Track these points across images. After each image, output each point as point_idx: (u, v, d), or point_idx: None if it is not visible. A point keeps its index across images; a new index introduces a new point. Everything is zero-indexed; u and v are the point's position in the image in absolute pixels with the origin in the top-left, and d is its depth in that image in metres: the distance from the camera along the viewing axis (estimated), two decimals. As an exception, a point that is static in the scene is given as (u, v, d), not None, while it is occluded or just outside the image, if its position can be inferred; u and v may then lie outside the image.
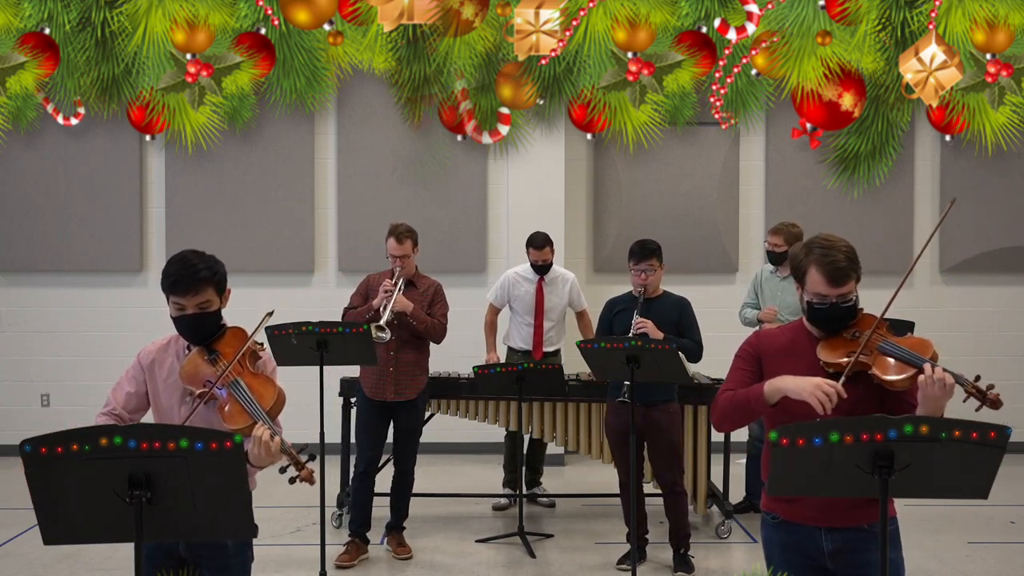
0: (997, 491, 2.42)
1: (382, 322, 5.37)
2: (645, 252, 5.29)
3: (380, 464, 5.93)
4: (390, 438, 5.77)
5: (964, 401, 2.78)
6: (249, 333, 3.12)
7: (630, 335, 5.10)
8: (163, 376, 3.13)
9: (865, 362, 2.82)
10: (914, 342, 2.85)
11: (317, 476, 2.94)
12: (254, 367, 3.09)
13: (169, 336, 3.21)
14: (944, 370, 2.69)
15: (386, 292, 5.47)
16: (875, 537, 2.87)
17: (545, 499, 6.84)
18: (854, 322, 2.94)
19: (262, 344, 3.16)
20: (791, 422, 2.73)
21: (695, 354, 5.33)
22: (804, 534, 2.93)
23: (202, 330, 3.08)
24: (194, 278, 3.02)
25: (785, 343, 3.01)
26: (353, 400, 6.09)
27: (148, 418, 3.17)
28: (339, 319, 5.54)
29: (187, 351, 3.13)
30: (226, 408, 2.96)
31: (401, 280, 5.58)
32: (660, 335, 5.12)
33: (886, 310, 2.91)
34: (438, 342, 5.74)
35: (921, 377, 2.70)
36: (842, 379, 2.77)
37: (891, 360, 2.81)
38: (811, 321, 2.98)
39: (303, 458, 2.85)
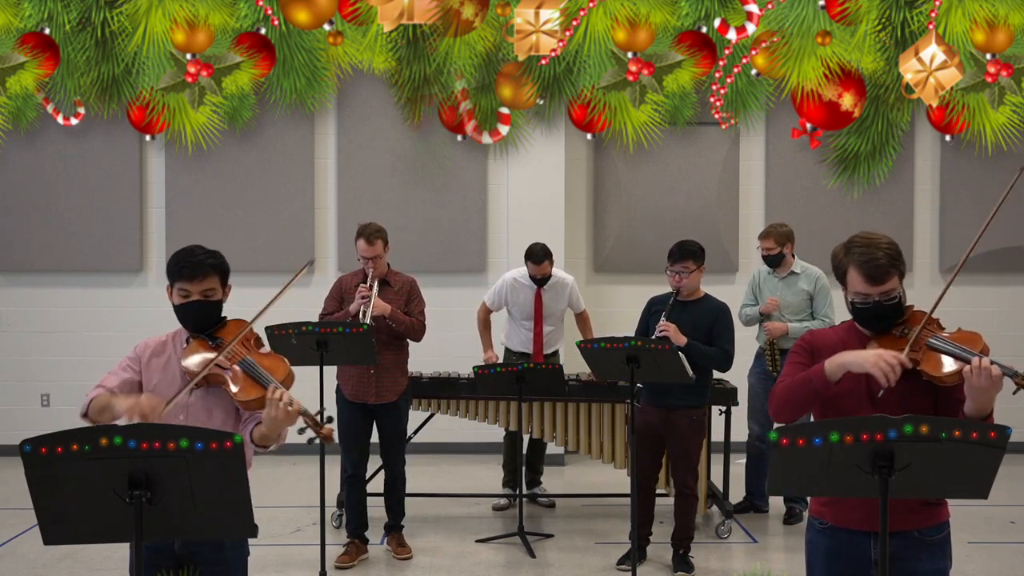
0: (997, 491, 2.42)
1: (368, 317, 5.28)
2: (682, 253, 5.21)
3: (374, 472, 5.93)
4: (374, 438, 5.75)
5: (1014, 393, 2.69)
6: (250, 323, 3.18)
7: (652, 337, 5.06)
8: (160, 367, 3.14)
9: (914, 359, 2.75)
10: (963, 336, 2.78)
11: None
12: (259, 350, 3.15)
13: (167, 334, 3.23)
14: (992, 362, 2.62)
15: (363, 298, 5.38)
16: (926, 545, 2.83)
17: (545, 499, 6.84)
18: (903, 319, 2.86)
19: (260, 340, 3.22)
20: (840, 416, 2.69)
21: (721, 362, 5.24)
22: (852, 541, 2.85)
23: (206, 317, 3.12)
24: (201, 264, 3.09)
25: (836, 342, 2.93)
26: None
27: None
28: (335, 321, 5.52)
29: (185, 344, 3.15)
30: (241, 383, 2.99)
31: (376, 282, 5.51)
32: (683, 340, 5.04)
33: (935, 307, 2.84)
34: (418, 340, 5.69)
35: (966, 368, 2.63)
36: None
37: (940, 356, 2.74)
38: (856, 321, 2.92)
39: (319, 417, 2.92)
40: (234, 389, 2.99)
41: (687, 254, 5.21)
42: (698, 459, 5.53)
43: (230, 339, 3.09)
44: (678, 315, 5.19)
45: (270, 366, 3.05)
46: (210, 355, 3.05)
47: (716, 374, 6.31)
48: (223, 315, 3.19)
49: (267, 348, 3.22)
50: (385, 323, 5.47)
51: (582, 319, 6.82)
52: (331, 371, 5.39)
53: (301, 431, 2.94)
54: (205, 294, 3.10)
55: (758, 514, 6.50)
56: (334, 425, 2.96)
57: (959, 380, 2.68)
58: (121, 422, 2.85)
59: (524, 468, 6.86)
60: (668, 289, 5.50)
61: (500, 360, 6.67)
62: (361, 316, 5.34)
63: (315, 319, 5.39)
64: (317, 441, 2.95)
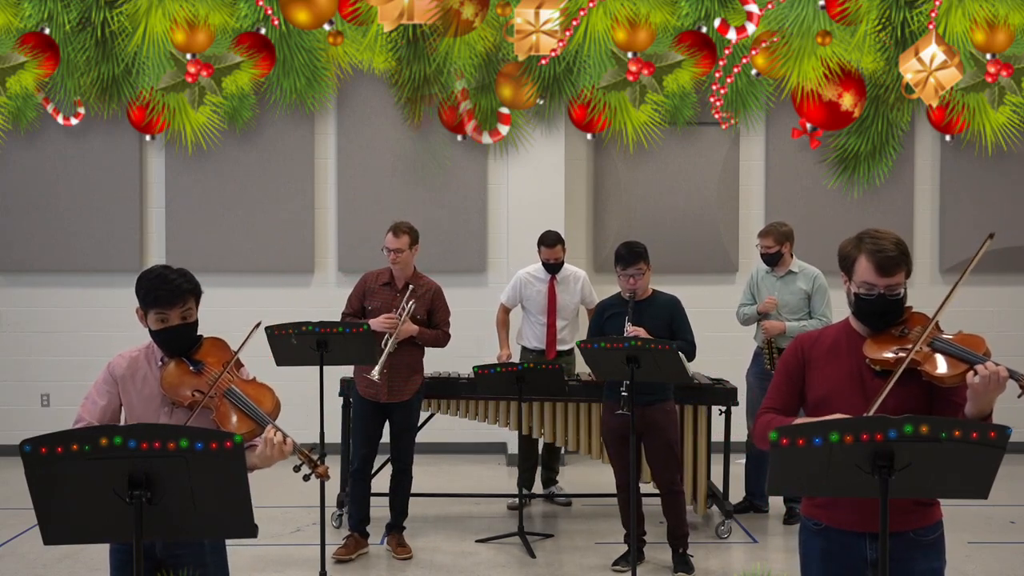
0: (997, 491, 2.42)
1: (375, 371, 5.32)
2: (633, 256, 5.21)
3: (378, 467, 5.94)
4: (385, 437, 5.76)
5: (1019, 396, 2.68)
6: (226, 341, 3.18)
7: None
8: (138, 387, 3.11)
9: (915, 359, 2.73)
10: (966, 338, 2.77)
11: (332, 472, 3.02)
12: (241, 374, 3.15)
13: (138, 348, 3.20)
14: (998, 364, 2.61)
15: (389, 327, 5.41)
16: (921, 546, 2.84)
17: (563, 498, 6.87)
18: (902, 319, 2.85)
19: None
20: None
21: (688, 354, 5.30)
22: (846, 542, 2.85)
23: (187, 341, 3.11)
24: (178, 290, 3.05)
25: (830, 344, 2.92)
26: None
27: None
28: (340, 320, 5.53)
29: (160, 363, 3.13)
30: (229, 417, 2.99)
31: (410, 305, 5.49)
32: None
33: (939, 310, 2.82)
34: (443, 347, 5.77)
35: (971, 373, 2.61)
36: (894, 378, 2.70)
37: (942, 357, 2.73)
38: (856, 314, 2.89)
39: (315, 456, 2.96)
40: (224, 422, 2.99)
41: (638, 256, 5.23)
42: (680, 450, 5.55)
43: (210, 362, 3.07)
44: (636, 316, 5.21)
45: (256, 397, 3.04)
46: (194, 381, 3.03)
47: (714, 373, 6.35)
48: (199, 334, 3.17)
49: (246, 368, 3.21)
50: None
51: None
52: (333, 371, 5.40)
53: (296, 468, 2.97)
54: (183, 317, 3.06)
55: (758, 514, 6.50)
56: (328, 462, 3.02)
57: (960, 382, 2.68)
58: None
59: (540, 468, 6.91)
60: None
61: (516, 360, 6.69)
62: (384, 343, 5.39)
63: (315, 319, 5.40)
64: (314, 477, 2.98)
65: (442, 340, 5.69)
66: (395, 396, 5.62)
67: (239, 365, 3.16)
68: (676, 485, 5.41)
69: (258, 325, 3.33)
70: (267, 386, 3.11)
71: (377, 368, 5.32)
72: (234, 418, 2.98)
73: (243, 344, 3.14)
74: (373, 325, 5.40)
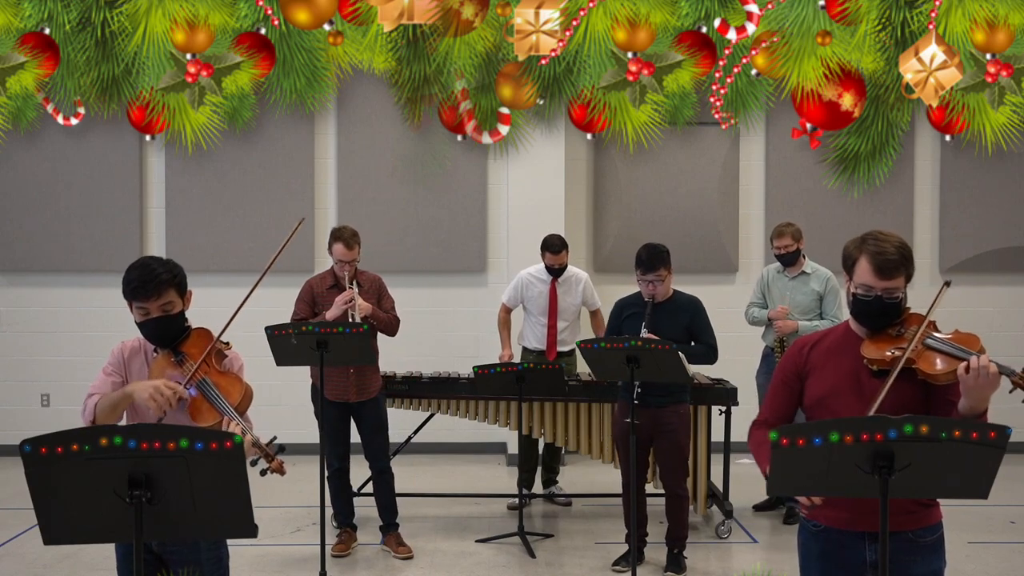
0: (997, 491, 2.42)
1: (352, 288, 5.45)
2: (654, 262, 5.16)
3: (366, 480, 5.96)
4: (355, 437, 5.80)
5: (1011, 392, 2.69)
6: (214, 332, 3.18)
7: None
8: (134, 376, 3.17)
9: (910, 358, 2.76)
10: (961, 337, 2.78)
11: (288, 467, 3.01)
12: (220, 365, 3.16)
13: (139, 339, 3.24)
14: (989, 360, 2.62)
15: (347, 303, 5.46)
16: (920, 547, 2.84)
17: (563, 498, 6.87)
18: (899, 320, 2.87)
19: (228, 343, 3.22)
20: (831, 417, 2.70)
21: (708, 357, 5.26)
22: (846, 543, 2.85)
23: (167, 332, 3.13)
24: (155, 281, 3.08)
25: (830, 345, 2.95)
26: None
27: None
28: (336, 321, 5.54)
29: (154, 354, 3.18)
30: (200, 408, 3.02)
31: (354, 284, 5.59)
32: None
33: (931, 309, 2.83)
34: (393, 335, 5.79)
35: (962, 366, 2.63)
36: (891, 378, 2.71)
37: (937, 354, 2.75)
38: (854, 314, 2.91)
39: (272, 450, 2.92)
40: (192, 412, 3.01)
41: (659, 262, 5.19)
42: (689, 454, 5.54)
43: (192, 354, 3.10)
44: (654, 319, 5.18)
45: (227, 388, 3.05)
46: (173, 373, 3.06)
47: (715, 373, 6.34)
48: (187, 324, 3.19)
49: (230, 356, 3.21)
50: (367, 322, 5.51)
51: (596, 318, 6.85)
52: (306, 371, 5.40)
53: (253, 463, 2.87)
54: (164, 309, 3.10)
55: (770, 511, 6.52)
56: (284, 457, 2.96)
57: (954, 379, 2.69)
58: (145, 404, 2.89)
59: (540, 468, 6.91)
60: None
61: (517, 360, 6.69)
62: (350, 320, 5.39)
63: (315, 319, 5.41)
64: (269, 472, 2.91)
65: (393, 324, 5.75)
66: (364, 394, 5.68)
67: (222, 355, 3.17)
68: (681, 488, 5.39)
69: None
70: (239, 378, 3.13)
71: (357, 314, 5.37)
72: (201, 410, 3.01)
73: (224, 329, 3.16)
74: (330, 314, 5.45)
